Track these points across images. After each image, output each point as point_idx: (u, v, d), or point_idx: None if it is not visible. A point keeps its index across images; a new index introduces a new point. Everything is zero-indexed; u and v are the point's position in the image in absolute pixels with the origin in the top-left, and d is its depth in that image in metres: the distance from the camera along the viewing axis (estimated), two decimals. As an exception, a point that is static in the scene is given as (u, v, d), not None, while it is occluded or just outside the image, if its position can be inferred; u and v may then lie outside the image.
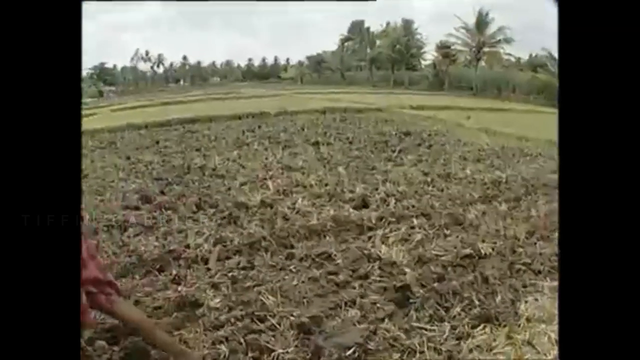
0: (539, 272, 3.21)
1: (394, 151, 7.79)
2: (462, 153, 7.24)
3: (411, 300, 2.75)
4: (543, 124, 8.88)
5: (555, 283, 3.03)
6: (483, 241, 3.60)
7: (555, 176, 5.55)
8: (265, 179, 5.75)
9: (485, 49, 26.83)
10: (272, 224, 4.07)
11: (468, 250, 3.46)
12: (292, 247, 3.70)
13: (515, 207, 4.53)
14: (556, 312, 2.69)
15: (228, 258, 3.46)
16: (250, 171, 6.18)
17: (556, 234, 3.76)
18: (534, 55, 30.95)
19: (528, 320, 2.63)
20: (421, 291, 2.85)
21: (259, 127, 9.74)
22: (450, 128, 9.81)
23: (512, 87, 23.49)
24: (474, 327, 2.59)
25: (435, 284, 2.91)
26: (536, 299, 2.87)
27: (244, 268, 3.21)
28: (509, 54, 28.94)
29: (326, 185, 5.54)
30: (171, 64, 48.32)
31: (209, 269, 3.23)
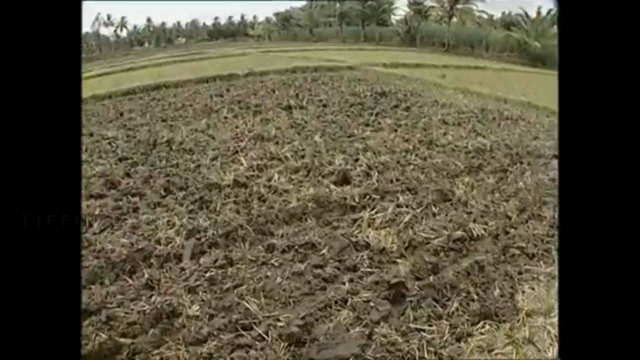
0: (533, 255, 3.08)
1: (371, 114, 7.44)
2: (441, 116, 7.00)
3: (408, 299, 2.56)
4: (519, 84, 8.75)
5: (549, 269, 2.92)
6: (474, 221, 3.43)
7: (539, 143, 5.44)
8: (237, 152, 5.34)
9: (458, 6, 26.09)
10: (248, 208, 3.74)
11: (459, 233, 3.28)
12: (271, 234, 3.41)
13: (502, 179, 4.37)
14: (552, 301, 2.59)
15: (203, 252, 3.15)
16: (220, 143, 5.72)
17: (546, 212, 3.64)
18: (506, 13, 30.48)
19: (528, 314, 2.51)
20: (416, 286, 2.66)
21: (228, 90, 9.10)
22: (426, 88, 9.50)
23: (485, 45, 23.11)
24: (473, 324, 2.45)
25: (431, 278, 2.72)
26: (532, 288, 2.75)
27: (221, 266, 2.91)
28: (482, 11, 28.39)
29: (303, 157, 5.19)
30: (135, 27, 45.39)
31: (183, 269, 2.92)
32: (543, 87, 8.61)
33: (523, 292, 2.71)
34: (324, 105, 8.15)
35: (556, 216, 3.54)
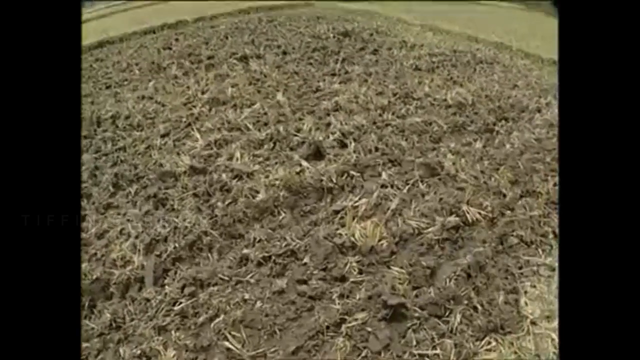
0: (532, 242, 2.86)
1: (336, 61, 6.78)
2: (413, 60, 6.45)
3: (408, 321, 2.27)
4: (485, 21, 8.22)
5: (549, 259, 2.72)
6: (467, 202, 3.12)
7: (519, 93, 5.09)
8: (190, 124, 4.68)
9: None
10: (211, 205, 3.24)
11: (453, 219, 2.97)
12: (241, 237, 2.99)
13: (489, 141, 4.04)
14: (553, 298, 2.41)
15: (166, 272, 2.71)
16: (171, 112, 5.01)
17: (538, 184, 3.39)
18: None
19: (533, 323, 2.31)
20: (415, 302, 2.37)
21: (177, 40, 7.96)
22: (391, 25, 8.74)
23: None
24: (478, 339, 2.23)
25: (432, 291, 2.43)
26: (534, 286, 2.54)
27: (191, 294, 2.50)
28: None
29: (266, 124, 4.62)
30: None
31: (148, 300, 2.49)
32: (511, 24, 8.13)
33: (525, 292, 2.49)
34: (284, 52, 7.35)
35: (549, 189, 3.30)
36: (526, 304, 2.41)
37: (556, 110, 4.51)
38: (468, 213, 3.03)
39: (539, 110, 4.57)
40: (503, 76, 5.61)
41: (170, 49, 7.57)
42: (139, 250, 2.81)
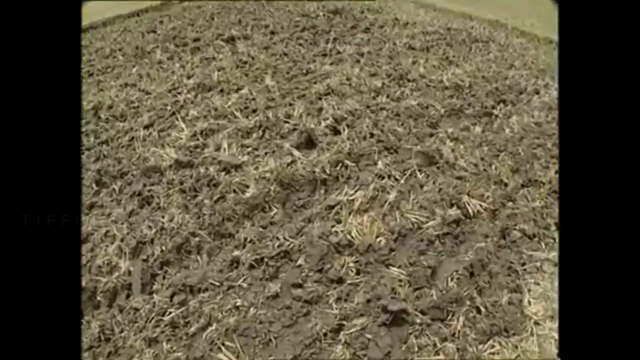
0: (534, 236, 2.75)
1: (327, 41, 6.53)
2: (407, 39, 6.20)
3: (410, 327, 2.17)
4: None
5: (552, 254, 2.62)
6: (468, 194, 2.99)
7: (516, 73, 4.91)
8: (174, 113, 4.46)
9: None
10: (198, 203, 3.07)
11: (454, 212, 2.85)
12: (231, 237, 2.85)
13: (487, 126, 3.89)
14: (556, 295, 2.34)
15: (154, 277, 2.57)
16: (156, 100, 4.78)
17: (539, 172, 3.27)
18: None
19: (536, 323, 2.23)
20: (416, 307, 2.27)
21: (161, 22, 7.60)
22: (383, 2, 8.41)
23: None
24: (481, 343, 2.15)
25: (433, 293, 2.33)
26: (537, 283, 2.46)
27: (181, 302, 2.37)
28: None
29: (254, 111, 4.42)
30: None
31: (137, 310, 2.36)
32: (505, 1, 7.84)
33: (529, 290, 2.40)
34: (272, 33, 7.06)
35: (551, 177, 3.18)
36: (529, 303, 2.32)
37: (554, 93, 4.35)
38: (469, 205, 2.91)
39: (537, 92, 4.41)
40: (499, 55, 5.41)
41: (154, 32, 7.22)
42: (125, 254, 2.67)
